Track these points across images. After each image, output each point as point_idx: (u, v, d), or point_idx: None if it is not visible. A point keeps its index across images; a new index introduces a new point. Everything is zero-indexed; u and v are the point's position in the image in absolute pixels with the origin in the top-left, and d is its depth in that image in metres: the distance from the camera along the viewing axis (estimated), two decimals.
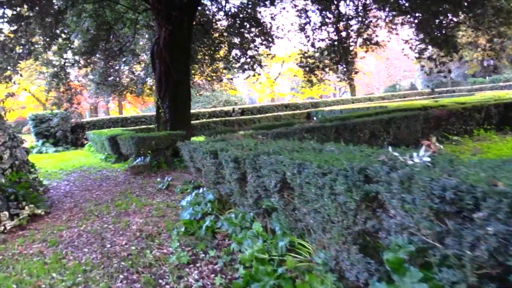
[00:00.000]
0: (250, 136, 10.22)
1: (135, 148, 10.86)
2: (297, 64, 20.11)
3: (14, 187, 8.32)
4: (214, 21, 18.53)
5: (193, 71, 19.17)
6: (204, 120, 27.09)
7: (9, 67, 10.10)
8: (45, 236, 6.05)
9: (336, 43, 19.22)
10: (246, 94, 63.73)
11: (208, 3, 18.50)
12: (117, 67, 19.79)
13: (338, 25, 19.16)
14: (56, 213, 7.50)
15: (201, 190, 6.25)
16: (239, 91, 56.28)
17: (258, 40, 18.97)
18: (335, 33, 19.20)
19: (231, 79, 27.04)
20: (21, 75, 11.03)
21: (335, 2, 18.96)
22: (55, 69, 13.46)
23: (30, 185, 9.79)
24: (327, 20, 19.42)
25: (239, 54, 19.26)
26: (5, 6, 8.68)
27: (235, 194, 4.89)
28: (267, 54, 18.74)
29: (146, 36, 18.33)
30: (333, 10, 19.16)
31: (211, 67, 20.91)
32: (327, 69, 20.08)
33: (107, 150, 15.14)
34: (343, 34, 19.22)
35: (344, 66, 19.83)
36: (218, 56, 20.02)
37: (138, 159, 11.04)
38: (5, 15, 9.00)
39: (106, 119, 25.45)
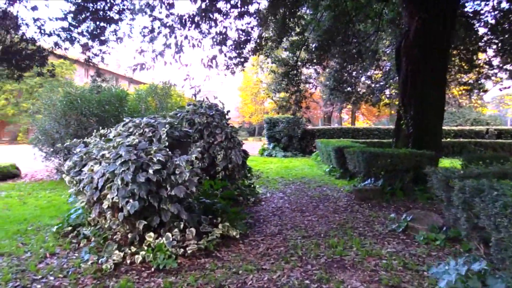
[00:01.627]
0: None
1: (364, 165, 8.49)
2: None
3: (215, 196, 7.10)
4: (479, 14, 14.51)
5: None
6: (449, 139, 22.71)
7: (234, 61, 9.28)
8: (225, 277, 4.27)
9: None
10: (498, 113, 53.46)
11: None
12: (353, 73, 17.89)
13: None
14: (254, 238, 5.77)
15: (477, 265, 3.36)
16: (490, 109, 47.63)
17: None
18: None
19: (486, 90, 21.73)
20: (243, 70, 10.19)
21: None
22: (286, 67, 12.39)
23: (241, 193, 8.62)
24: None
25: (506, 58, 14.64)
26: None
27: None
28: None
29: (388, 40, 15.79)
30: None
31: (467, 76, 16.80)
32: None
33: (332, 162, 13.33)
34: None
35: None
36: (477, 62, 15.79)
37: (367, 181, 8.64)
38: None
39: (337, 128, 24.02)
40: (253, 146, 29.76)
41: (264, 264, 4.67)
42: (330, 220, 6.74)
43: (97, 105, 11.81)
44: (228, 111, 9.44)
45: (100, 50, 10.16)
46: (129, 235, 4.92)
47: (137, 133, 5.49)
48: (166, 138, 5.51)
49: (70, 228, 5.78)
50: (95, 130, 6.04)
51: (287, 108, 13.29)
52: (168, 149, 5.38)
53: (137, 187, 4.62)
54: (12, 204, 8.28)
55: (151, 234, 4.92)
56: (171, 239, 4.82)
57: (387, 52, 17.32)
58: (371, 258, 4.79)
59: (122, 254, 4.72)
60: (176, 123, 6.19)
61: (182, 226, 5.12)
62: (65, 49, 9.69)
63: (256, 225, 6.55)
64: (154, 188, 4.81)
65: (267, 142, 23.96)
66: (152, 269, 4.50)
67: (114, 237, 5.01)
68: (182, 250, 4.81)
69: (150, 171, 4.73)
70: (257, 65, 37.97)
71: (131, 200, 4.64)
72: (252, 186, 9.77)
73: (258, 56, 12.68)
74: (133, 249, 4.85)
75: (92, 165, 4.95)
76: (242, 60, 10.53)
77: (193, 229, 5.13)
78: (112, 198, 4.68)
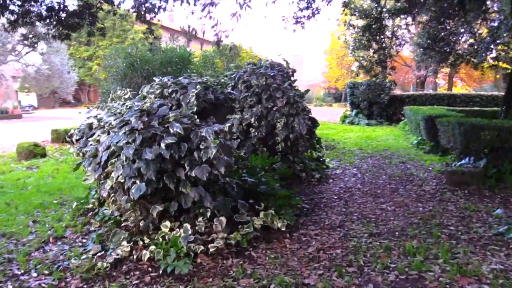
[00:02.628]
0: None
1: (461, 140, 6.66)
2: None
3: (269, 172, 5.91)
4: None
5: None
6: None
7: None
8: None
9: None
10: None
11: None
12: (452, 29, 15.15)
13: None
14: (306, 231, 4.50)
15: None
16: None
17: None
18: None
19: None
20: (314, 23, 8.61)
21: None
22: (368, 20, 10.42)
23: (304, 168, 7.32)
24: None
25: None
26: None
27: None
28: None
29: None
30: None
31: None
32: None
33: (421, 133, 11.39)
34: None
35: None
36: None
37: (464, 160, 6.82)
38: None
39: (430, 94, 21.26)
40: (336, 112, 27.96)
41: (308, 276, 3.41)
42: (410, 211, 5.20)
43: (158, 67, 11.08)
44: (294, 71, 8.08)
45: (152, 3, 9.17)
46: (141, 223, 3.94)
47: (152, 96, 4.41)
48: (196, 102, 4.35)
49: (91, 205, 4.99)
50: (111, 91, 5.09)
51: (369, 69, 11.41)
52: (196, 116, 4.24)
53: (144, 165, 3.55)
54: (61, 170, 7.87)
55: (167, 223, 3.88)
56: (189, 233, 3.74)
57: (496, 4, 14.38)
58: (465, 280, 3.29)
59: (129, 247, 3.76)
60: (215, 83, 5.00)
61: (209, 214, 4.02)
62: (117, 5, 8.86)
63: (314, 212, 5.26)
64: (169, 166, 3.72)
65: (350, 109, 22.05)
66: (160, 271, 3.47)
67: (124, 224, 4.07)
68: (202, 247, 3.72)
69: (162, 145, 3.62)
70: (345, 24, 35.24)
71: (138, 181, 3.61)
72: (321, 159, 8.43)
73: (344, 13, 10.79)
74: (147, 240, 3.86)
75: (99, 135, 3.98)
76: (314, 11, 8.93)
77: (222, 219, 4.00)
78: (117, 178, 3.68)
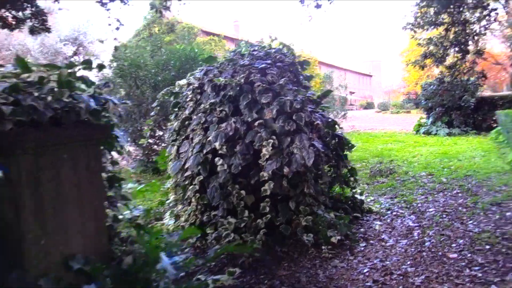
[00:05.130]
0: None
1: None
2: None
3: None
4: None
5: None
6: None
7: None
8: None
9: None
10: None
11: None
12: None
13: None
14: None
15: None
16: None
17: None
18: None
19: None
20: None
21: None
22: None
23: (314, 226, 4.24)
24: None
25: None
26: None
27: None
28: None
29: None
30: None
31: None
32: None
33: None
34: None
35: None
36: None
37: None
38: None
39: None
40: (413, 120, 23.74)
41: None
42: None
43: (156, 71, 8.64)
44: (305, 63, 5.12)
45: None
46: None
47: None
48: None
49: None
50: None
51: (440, 58, 7.87)
52: None
53: None
54: None
55: None
56: None
57: None
58: None
59: None
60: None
61: None
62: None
63: None
64: None
65: (425, 115, 18.16)
66: None
67: None
68: None
69: None
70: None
71: None
72: (356, 200, 5.34)
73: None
74: None
75: None
76: None
77: None
78: None
